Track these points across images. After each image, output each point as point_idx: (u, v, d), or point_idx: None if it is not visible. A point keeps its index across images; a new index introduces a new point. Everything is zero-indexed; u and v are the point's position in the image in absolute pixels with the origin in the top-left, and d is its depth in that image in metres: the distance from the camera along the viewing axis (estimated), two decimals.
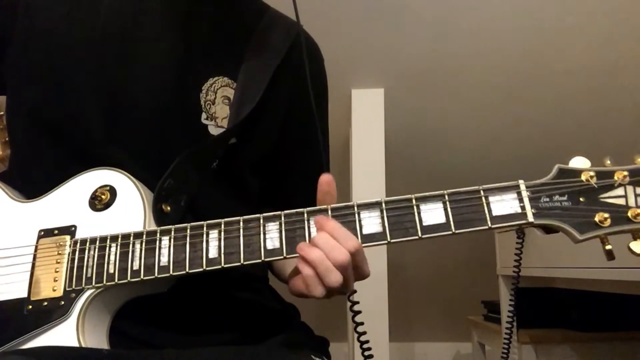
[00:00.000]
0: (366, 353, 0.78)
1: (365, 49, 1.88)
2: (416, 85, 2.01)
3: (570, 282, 1.47)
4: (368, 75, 1.99)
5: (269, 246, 0.62)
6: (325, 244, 0.60)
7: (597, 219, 0.60)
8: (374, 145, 2.03)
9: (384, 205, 0.62)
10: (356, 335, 0.76)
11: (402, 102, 2.06)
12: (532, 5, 1.73)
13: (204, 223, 0.64)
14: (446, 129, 2.15)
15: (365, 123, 2.04)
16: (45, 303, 0.62)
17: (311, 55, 0.82)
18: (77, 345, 0.60)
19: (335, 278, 0.60)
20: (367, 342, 0.78)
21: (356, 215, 0.63)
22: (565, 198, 0.61)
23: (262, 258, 0.62)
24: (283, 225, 0.63)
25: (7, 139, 0.81)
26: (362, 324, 0.77)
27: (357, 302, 0.77)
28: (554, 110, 2.06)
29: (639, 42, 1.81)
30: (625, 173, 0.61)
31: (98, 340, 0.63)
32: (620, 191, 0.60)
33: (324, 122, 0.89)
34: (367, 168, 2.02)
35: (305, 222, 0.63)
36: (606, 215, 0.59)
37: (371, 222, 0.62)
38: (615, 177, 0.61)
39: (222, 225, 0.63)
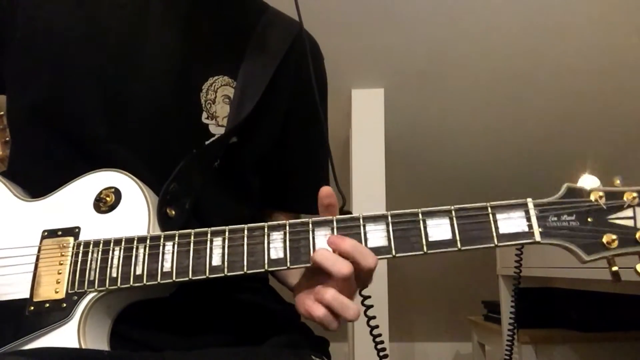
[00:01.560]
0: (381, 352, 0.78)
1: (365, 49, 1.88)
2: (416, 85, 2.01)
3: (570, 282, 1.47)
4: (368, 75, 2.00)
5: (273, 256, 0.62)
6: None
7: (604, 240, 0.59)
8: (374, 145, 2.03)
9: (390, 218, 0.62)
10: (360, 334, 0.76)
11: (402, 102, 2.06)
12: (532, 6, 1.73)
13: (208, 230, 0.63)
14: (446, 129, 2.15)
15: (365, 123, 2.04)
16: (47, 304, 0.62)
17: (312, 54, 0.82)
18: (78, 347, 0.60)
19: (352, 313, 0.60)
20: (380, 335, 0.77)
21: (361, 227, 0.62)
22: (573, 218, 0.60)
23: (266, 268, 0.61)
24: (287, 235, 0.62)
25: (7, 138, 0.81)
26: (374, 317, 0.76)
27: (369, 297, 0.76)
28: (554, 110, 2.06)
29: None
30: (635, 194, 0.60)
31: (99, 342, 0.63)
32: (629, 212, 0.59)
33: (324, 120, 0.89)
34: (367, 168, 2.02)
35: (310, 232, 0.62)
36: (614, 236, 0.59)
37: (376, 235, 0.61)
38: (625, 198, 0.60)
39: (227, 233, 0.63)
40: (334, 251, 0.60)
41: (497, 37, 1.83)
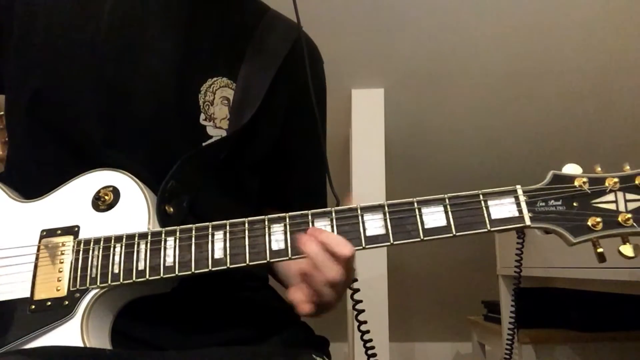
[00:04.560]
0: (370, 352, 0.79)
1: (365, 49, 1.88)
2: (416, 85, 2.01)
3: (570, 282, 1.47)
4: (368, 75, 1.99)
5: (275, 247, 0.63)
6: (317, 257, 0.61)
7: (589, 223, 0.62)
8: (374, 145, 2.03)
9: (386, 208, 0.63)
10: (359, 334, 0.77)
11: (402, 102, 2.06)
12: (531, 7, 1.73)
13: (209, 224, 0.64)
14: (446, 129, 2.15)
15: (365, 123, 2.04)
16: (49, 303, 0.62)
17: (311, 58, 0.82)
18: (81, 345, 0.60)
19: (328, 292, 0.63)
20: (370, 340, 0.79)
21: (360, 217, 0.63)
22: (560, 203, 0.63)
23: (268, 259, 0.62)
24: (288, 226, 0.63)
25: (7, 138, 0.81)
26: (365, 322, 0.78)
27: (361, 301, 0.77)
28: (553, 110, 2.06)
29: (637, 44, 1.82)
30: (616, 179, 0.63)
31: (101, 340, 0.63)
32: (611, 197, 0.63)
33: (322, 123, 0.90)
34: (367, 168, 2.02)
35: (310, 224, 0.64)
36: (598, 219, 0.62)
37: (374, 225, 0.63)
38: (607, 184, 0.63)
39: (227, 227, 0.64)
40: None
41: (497, 37, 1.83)
